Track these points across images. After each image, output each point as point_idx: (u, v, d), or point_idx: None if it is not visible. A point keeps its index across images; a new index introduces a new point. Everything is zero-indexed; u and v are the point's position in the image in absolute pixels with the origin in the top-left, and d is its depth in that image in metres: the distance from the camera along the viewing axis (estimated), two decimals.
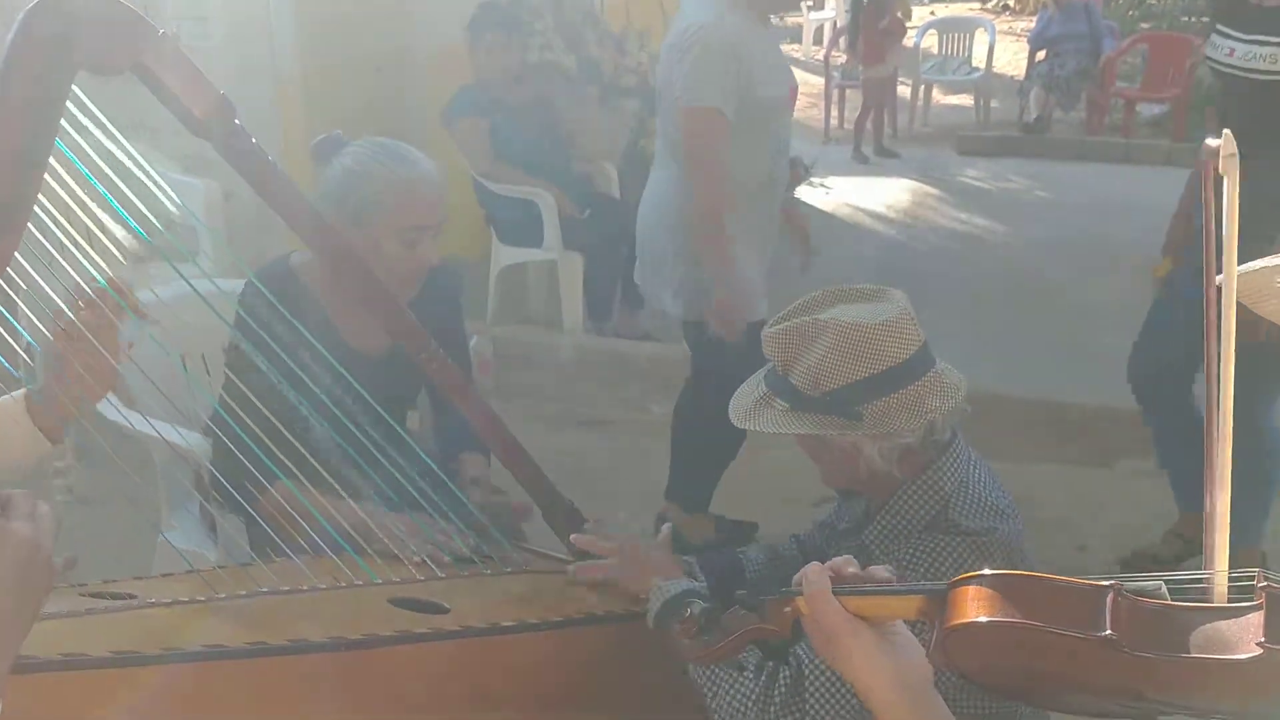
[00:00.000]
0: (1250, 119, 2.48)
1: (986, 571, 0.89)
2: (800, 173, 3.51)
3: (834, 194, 6.97)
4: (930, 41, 9.22)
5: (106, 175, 1.20)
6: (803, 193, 6.16)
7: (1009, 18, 12.82)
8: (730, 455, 2.91)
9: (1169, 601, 0.82)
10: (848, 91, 8.63)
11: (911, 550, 1.43)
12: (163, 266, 1.44)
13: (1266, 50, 2.45)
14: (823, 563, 1.02)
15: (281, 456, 1.53)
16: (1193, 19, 8.71)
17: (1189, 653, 0.78)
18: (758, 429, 1.50)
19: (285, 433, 1.51)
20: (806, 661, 1.35)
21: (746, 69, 2.52)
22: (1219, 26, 2.58)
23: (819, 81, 8.91)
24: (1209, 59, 2.64)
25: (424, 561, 1.58)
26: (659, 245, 2.77)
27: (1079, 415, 3.65)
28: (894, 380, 1.41)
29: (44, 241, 1.19)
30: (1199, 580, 0.84)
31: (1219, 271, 0.86)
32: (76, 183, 1.17)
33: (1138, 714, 0.88)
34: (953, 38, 9.19)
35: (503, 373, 4.04)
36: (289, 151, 3.34)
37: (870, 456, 1.45)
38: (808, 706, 1.33)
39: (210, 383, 1.76)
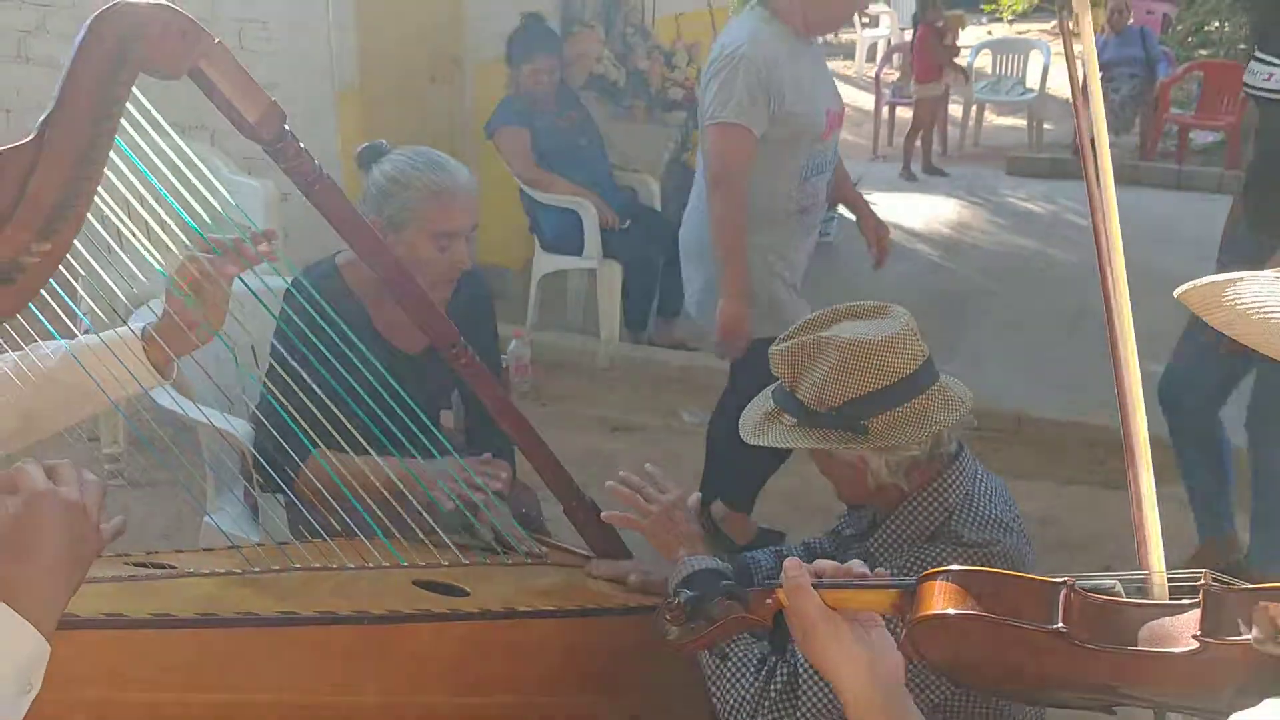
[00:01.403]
0: None
1: (954, 567, 0.94)
2: None
3: (879, 210, 6.96)
4: (984, 61, 9.19)
5: (166, 175, 1.28)
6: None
7: None
8: (774, 465, 2.95)
9: (1117, 598, 0.87)
10: (898, 109, 8.64)
11: (913, 559, 1.47)
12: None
13: None
14: None
15: (320, 442, 1.62)
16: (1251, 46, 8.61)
17: (1134, 645, 0.83)
18: (766, 444, 1.55)
19: (323, 420, 1.59)
20: (802, 661, 1.40)
21: (778, 89, 2.57)
22: (1258, 54, 2.61)
23: (870, 99, 8.93)
24: (1247, 86, 2.65)
25: (450, 547, 1.65)
26: (701, 266, 2.83)
27: (1112, 439, 3.65)
28: (898, 394, 1.45)
29: (105, 235, 1.27)
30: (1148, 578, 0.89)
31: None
32: (139, 181, 1.25)
33: (1096, 705, 0.92)
34: (1007, 58, 9.17)
35: (540, 376, 4.13)
36: (346, 154, 3.45)
37: (877, 469, 1.49)
38: (800, 704, 1.38)
39: (259, 373, 1.87)
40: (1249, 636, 0.76)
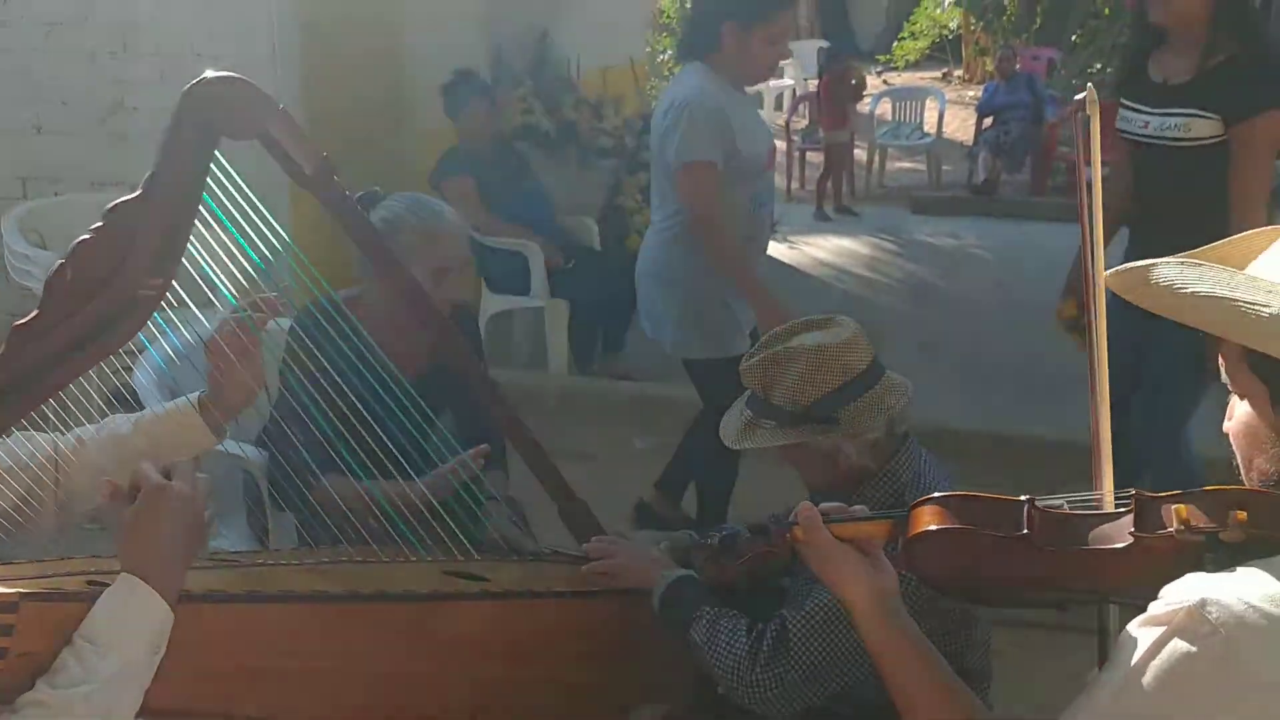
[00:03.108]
0: (1168, 181, 2.82)
1: (936, 495, 1.19)
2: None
3: (797, 249, 7.39)
4: (884, 109, 9.76)
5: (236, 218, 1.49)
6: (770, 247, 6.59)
7: (958, 86, 13.50)
8: (734, 474, 3.23)
9: (1068, 510, 1.13)
10: (807, 154, 9.12)
11: None
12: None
13: (1177, 120, 2.77)
14: None
15: (333, 456, 1.83)
16: None
17: (1085, 545, 1.07)
18: (752, 446, 1.81)
19: (333, 438, 1.79)
20: (789, 616, 1.65)
21: (729, 132, 2.88)
22: (1125, 102, 2.87)
23: (780, 145, 9.40)
24: (1122, 132, 2.89)
25: (467, 546, 1.87)
26: (655, 293, 3.11)
27: (1025, 446, 4.00)
28: (859, 387, 1.73)
29: (194, 275, 1.47)
30: (1091, 499, 1.16)
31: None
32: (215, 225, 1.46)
33: (1052, 602, 1.17)
34: (906, 105, 9.76)
35: None
36: (292, 188, 3.65)
37: (848, 454, 1.75)
38: (791, 653, 1.63)
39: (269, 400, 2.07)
40: (1171, 529, 1.00)
